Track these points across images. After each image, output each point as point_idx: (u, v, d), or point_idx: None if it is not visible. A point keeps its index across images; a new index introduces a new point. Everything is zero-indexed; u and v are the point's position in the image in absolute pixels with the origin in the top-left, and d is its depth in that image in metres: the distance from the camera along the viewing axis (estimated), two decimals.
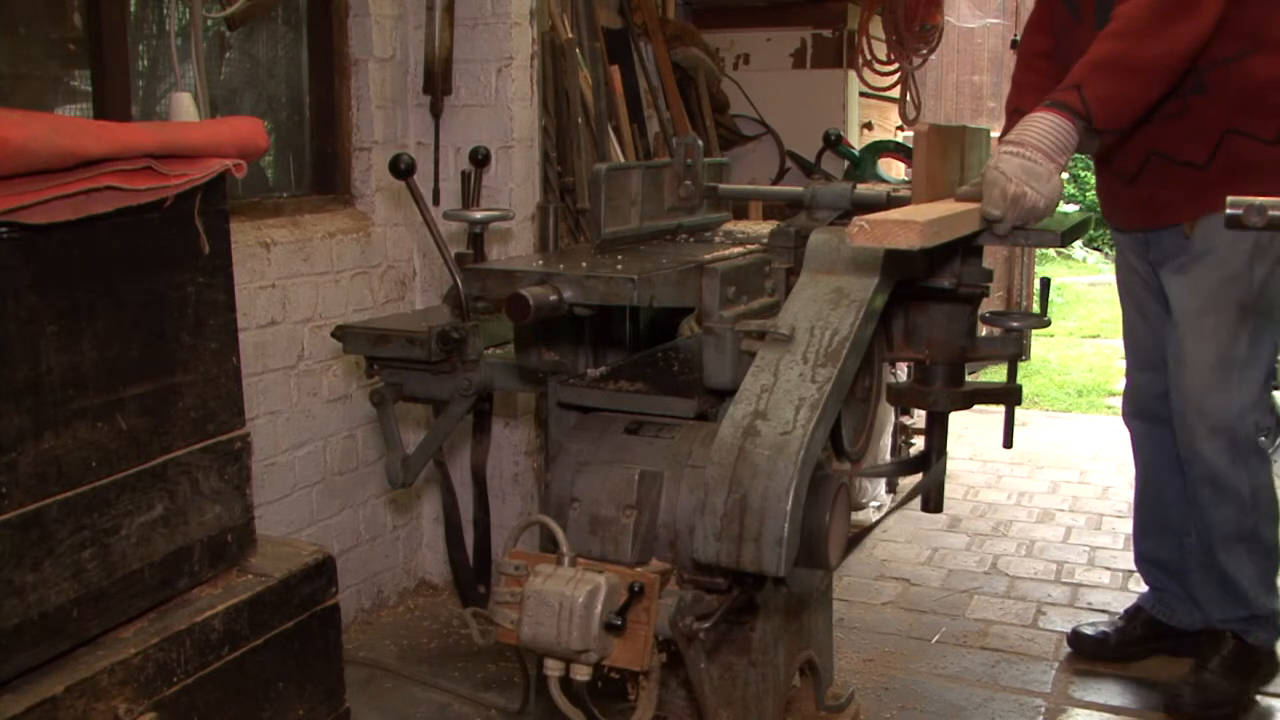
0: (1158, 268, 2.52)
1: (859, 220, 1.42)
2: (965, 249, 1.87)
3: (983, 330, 2.08)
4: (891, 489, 4.03)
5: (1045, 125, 1.93)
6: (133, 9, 2.41)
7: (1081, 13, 2.41)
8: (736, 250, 1.84)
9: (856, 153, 4.42)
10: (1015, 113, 2.54)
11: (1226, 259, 2.35)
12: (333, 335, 2.18)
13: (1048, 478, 4.39)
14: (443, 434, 2.18)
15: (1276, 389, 3.62)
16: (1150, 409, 2.71)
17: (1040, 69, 2.58)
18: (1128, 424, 2.81)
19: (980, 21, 6.23)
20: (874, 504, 3.86)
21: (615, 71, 3.69)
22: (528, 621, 1.51)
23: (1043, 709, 2.59)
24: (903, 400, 2.12)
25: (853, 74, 4.73)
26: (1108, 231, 12.31)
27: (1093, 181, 2.39)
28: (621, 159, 3.55)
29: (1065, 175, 2.00)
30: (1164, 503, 2.74)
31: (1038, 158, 1.85)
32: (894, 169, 4.65)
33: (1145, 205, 2.46)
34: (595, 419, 1.75)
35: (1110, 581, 3.32)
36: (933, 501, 2.14)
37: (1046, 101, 2.00)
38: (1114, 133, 2.08)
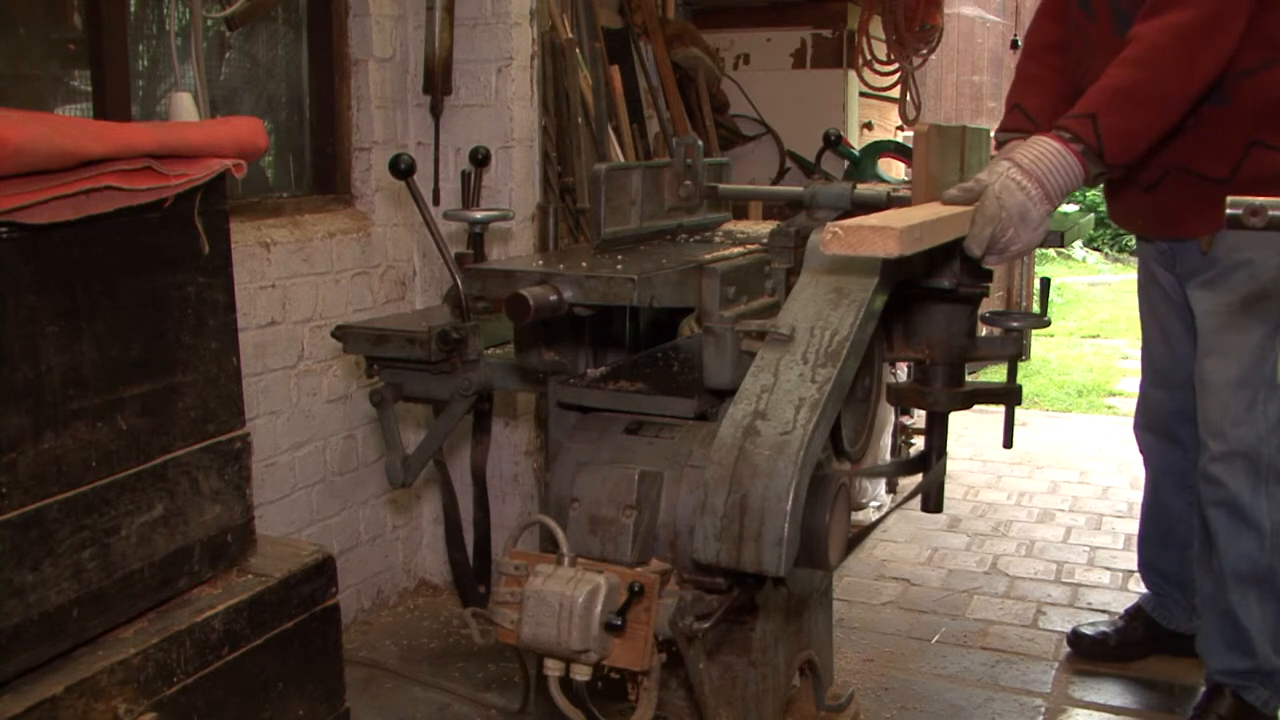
0: (1184, 281, 2.41)
1: (832, 226, 1.34)
2: (965, 249, 1.87)
3: (983, 330, 2.08)
4: (891, 489, 4.03)
5: (1058, 162, 1.84)
6: (133, 9, 2.41)
7: (1097, 13, 2.31)
8: (736, 250, 1.84)
9: (856, 153, 4.42)
10: (1015, 109, 2.45)
11: (1258, 273, 2.23)
12: (333, 335, 2.18)
13: (1048, 478, 4.39)
14: (443, 434, 2.18)
15: None
16: (1163, 426, 2.65)
17: (1047, 63, 2.47)
18: (1138, 436, 2.74)
19: (979, 12, 6.23)
20: (874, 504, 3.87)
21: (615, 71, 3.69)
22: (528, 621, 1.51)
23: (1043, 709, 2.59)
24: (903, 400, 2.12)
25: (853, 74, 4.73)
26: (1108, 231, 12.31)
27: None
28: (621, 159, 3.55)
29: None
30: (1170, 517, 2.69)
31: (1038, 198, 1.79)
32: (894, 169, 4.65)
33: (1166, 216, 2.36)
34: (595, 419, 1.75)
35: (1110, 581, 3.32)
36: (933, 501, 2.14)
37: (1060, 129, 1.90)
38: (1119, 168, 1.97)
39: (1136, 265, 2.71)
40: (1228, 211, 1.38)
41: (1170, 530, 2.70)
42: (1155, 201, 2.35)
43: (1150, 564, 2.79)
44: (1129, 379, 6.32)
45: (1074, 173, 1.87)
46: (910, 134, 4.91)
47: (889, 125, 5.25)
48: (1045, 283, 2.23)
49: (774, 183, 4.48)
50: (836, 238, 1.34)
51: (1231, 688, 2.41)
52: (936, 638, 2.94)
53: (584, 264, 1.70)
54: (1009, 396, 2.08)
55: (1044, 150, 1.86)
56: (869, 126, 5.04)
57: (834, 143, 2.99)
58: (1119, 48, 2.06)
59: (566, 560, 1.54)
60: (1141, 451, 2.75)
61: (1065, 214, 2.23)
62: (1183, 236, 2.35)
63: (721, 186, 2.20)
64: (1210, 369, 2.33)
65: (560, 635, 1.48)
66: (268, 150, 2.04)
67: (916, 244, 1.40)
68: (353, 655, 2.73)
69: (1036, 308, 2.17)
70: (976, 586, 3.29)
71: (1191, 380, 2.47)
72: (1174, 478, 2.66)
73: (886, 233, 1.32)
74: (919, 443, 3.97)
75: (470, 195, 2.51)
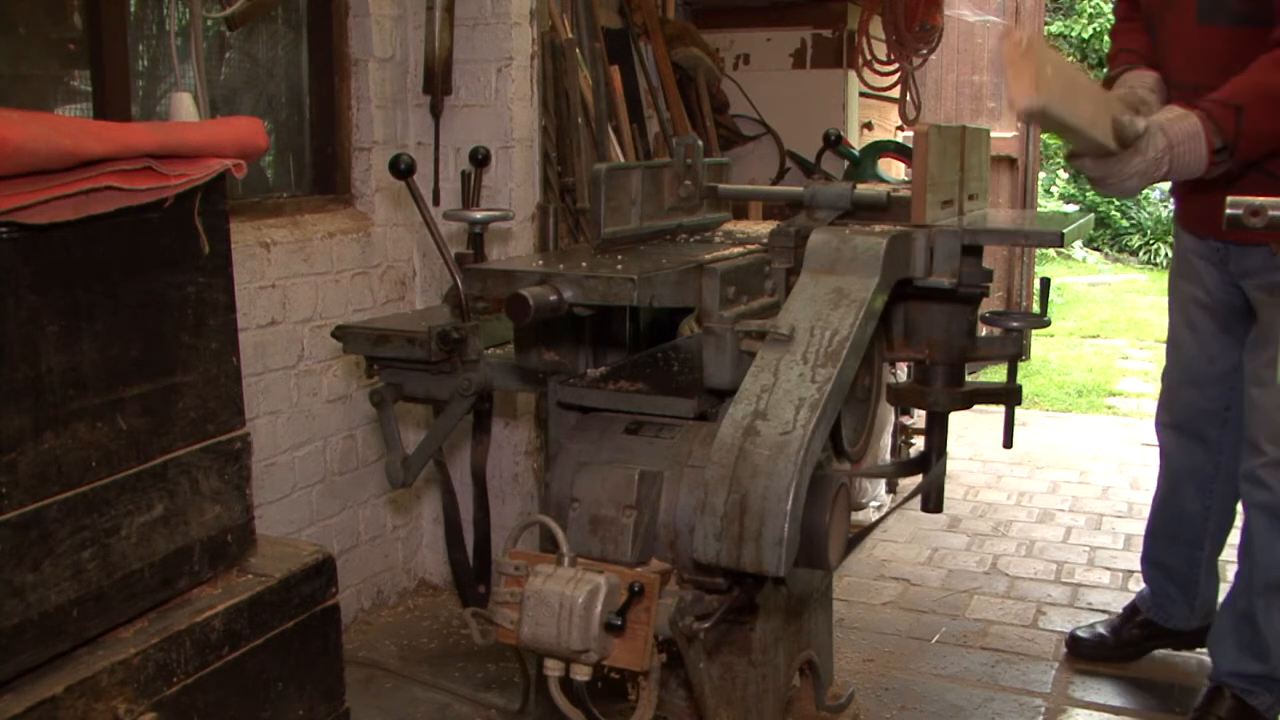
0: (1239, 279, 2.37)
1: (1023, 35, 1.37)
2: (965, 248, 1.87)
3: (983, 330, 2.08)
4: (891, 489, 4.03)
5: (1191, 147, 1.96)
6: (133, 9, 2.41)
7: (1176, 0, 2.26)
8: (736, 250, 1.84)
9: (856, 153, 4.42)
10: (1123, 51, 2.46)
11: None
12: (333, 335, 2.18)
13: (1048, 478, 4.39)
14: (443, 434, 2.18)
15: None
16: (1189, 424, 2.60)
17: (1135, 24, 2.47)
18: (1160, 433, 2.70)
19: (980, 16, 6.22)
20: (874, 504, 3.86)
21: (615, 71, 3.69)
22: (528, 621, 1.51)
23: (1043, 709, 2.59)
24: (903, 400, 2.11)
25: (853, 74, 4.73)
26: (1108, 231, 12.25)
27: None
28: (621, 159, 3.55)
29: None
30: (1183, 515, 2.67)
31: (1165, 170, 1.95)
32: (894, 169, 4.65)
33: None
34: (595, 419, 1.75)
35: (1110, 581, 3.32)
36: (933, 501, 2.14)
37: (1207, 114, 1.95)
38: (1239, 165, 1.99)
39: (1171, 258, 2.66)
40: (1228, 212, 1.39)
41: (1181, 530, 2.68)
42: (1225, 199, 2.32)
43: (1155, 560, 2.77)
44: (1129, 379, 6.32)
45: (1200, 163, 1.98)
46: (910, 134, 4.91)
47: (889, 125, 5.25)
48: (1045, 283, 2.23)
49: (774, 183, 4.47)
50: (1016, 46, 1.37)
51: (1235, 690, 2.40)
52: (936, 638, 2.94)
53: (584, 264, 1.70)
54: (1009, 396, 2.08)
55: (1191, 133, 1.96)
56: (869, 126, 5.03)
57: (834, 143, 2.99)
58: (1203, 38, 2.07)
59: (566, 560, 1.54)
60: (1161, 448, 2.71)
61: (1066, 214, 2.23)
62: (1253, 242, 2.29)
63: (721, 186, 2.20)
64: (1267, 376, 2.28)
65: (560, 635, 1.48)
66: (268, 150, 2.04)
67: (1047, 113, 1.46)
68: (353, 655, 2.73)
69: (1036, 308, 2.17)
70: (976, 586, 3.29)
71: (1224, 380, 2.44)
72: (1195, 480, 2.62)
73: (1028, 90, 1.37)
74: (919, 443, 3.97)
75: (470, 195, 2.51)
